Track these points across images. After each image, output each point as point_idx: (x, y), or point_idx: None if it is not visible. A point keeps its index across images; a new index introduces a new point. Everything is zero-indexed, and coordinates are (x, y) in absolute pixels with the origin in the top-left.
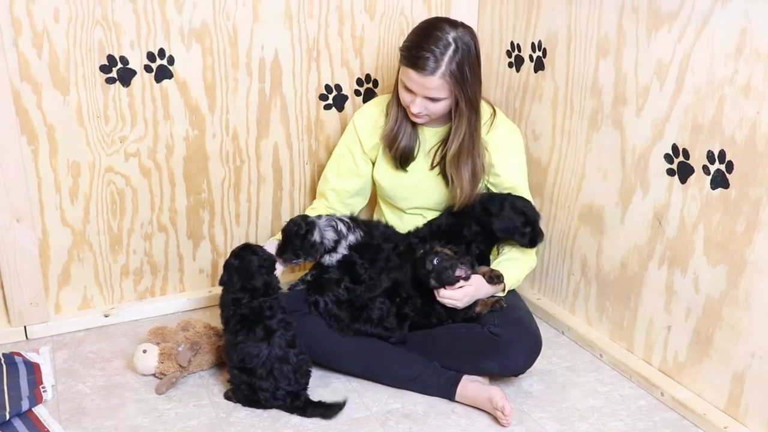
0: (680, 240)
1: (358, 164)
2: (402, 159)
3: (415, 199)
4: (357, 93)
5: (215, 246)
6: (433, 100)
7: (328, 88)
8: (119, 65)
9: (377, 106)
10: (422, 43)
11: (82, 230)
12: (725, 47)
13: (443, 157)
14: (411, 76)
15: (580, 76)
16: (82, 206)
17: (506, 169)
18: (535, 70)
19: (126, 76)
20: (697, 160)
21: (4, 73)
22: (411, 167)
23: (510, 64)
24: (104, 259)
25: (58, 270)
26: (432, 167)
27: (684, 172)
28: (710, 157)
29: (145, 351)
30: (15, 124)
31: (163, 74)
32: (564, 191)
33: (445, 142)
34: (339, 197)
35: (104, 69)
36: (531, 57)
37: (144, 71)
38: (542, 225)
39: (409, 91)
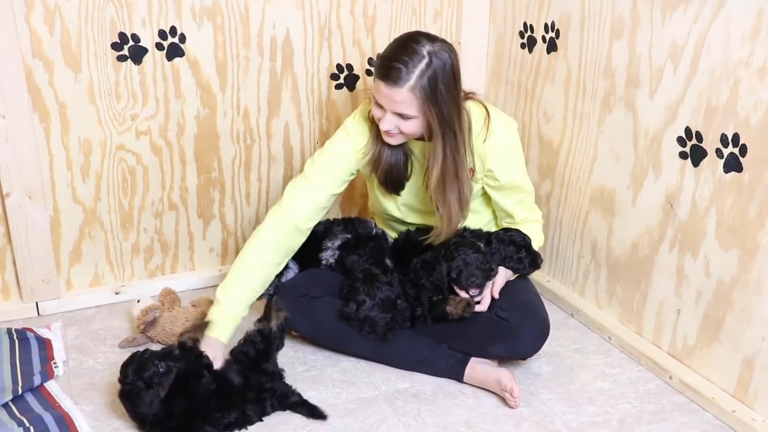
0: (692, 223)
1: (344, 174)
2: (394, 184)
3: (414, 217)
4: (368, 73)
5: (225, 225)
6: (403, 117)
7: (339, 67)
8: (131, 43)
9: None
10: (396, 54)
11: (93, 208)
12: (742, 29)
13: (426, 184)
14: (380, 89)
15: (593, 58)
16: (94, 184)
17: (507, 173)
18: (548, 51)
19: (137, 54)
20: (711, 143)
21: (17, 50)
22: (407, 186)
23: (522, 45)
24: (115, 236)
25: (70, 247)
26: (427, 189)
27: (697, 155)
28: (724, 140)
29: (138, 301)
30: (27, 101)
31: (174, 52)
32: (575, 173)
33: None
34: (319, 202)
35: (116, 47)
36: (544, 38)
37: (155, 49)
38: (553, 207)
39: (379, 106)
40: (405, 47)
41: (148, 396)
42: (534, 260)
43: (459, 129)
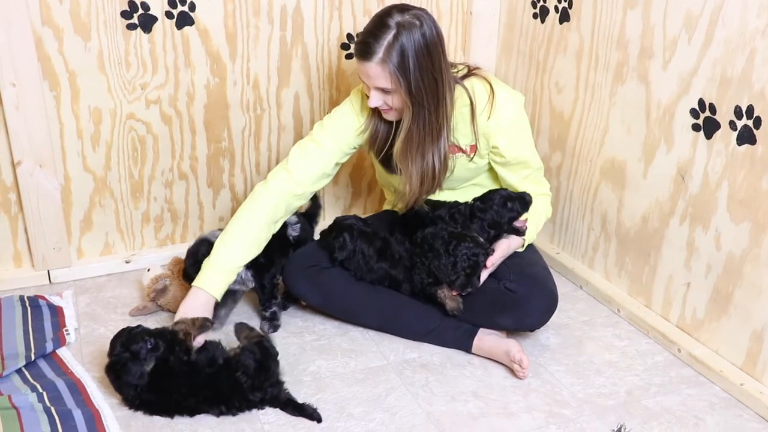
0: (703, 196)
1: (347, 147)
2: (391, 162)
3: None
4: None
5: (235, 194)
6: (384, 91)
7: (350, 37)
8: (140, 11)
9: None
10: (366, 30)
11: (103, 177)
12: None
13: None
14: (358, 66)
15: (606, 28)
16: (104, 153)
17: (513, 150)
18: (560, 22)
19: (147, 23)
20: (724, 115)
21: (26, 18)
22: None
23: (535, 15)
24: (125, 205)
25: (80, 216)
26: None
27: (710, 128)
28: (738, 112)
29: (148, 269)
30: (37, 69)
31: (184, 21)
32: (586, 145)
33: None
34: (324, 169)
35: (125, 15)
36: (556, 8)
37: (165, 18)
38: (563, 179)
39: (364, 83)
40: (375, 22)
41: (135, 366)
42: (522, 199)
43: (433, 104)
